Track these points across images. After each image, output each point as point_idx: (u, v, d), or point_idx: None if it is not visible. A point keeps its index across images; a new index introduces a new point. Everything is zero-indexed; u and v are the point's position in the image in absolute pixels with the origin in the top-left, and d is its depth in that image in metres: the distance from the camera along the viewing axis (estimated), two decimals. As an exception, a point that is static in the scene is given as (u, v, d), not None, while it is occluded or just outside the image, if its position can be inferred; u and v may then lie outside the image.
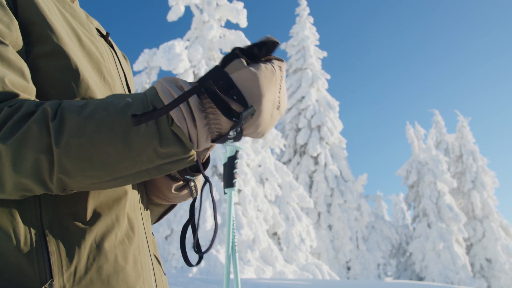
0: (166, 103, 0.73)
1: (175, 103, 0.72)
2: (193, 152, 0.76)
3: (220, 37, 16.19)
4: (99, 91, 0.90)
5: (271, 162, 15.42)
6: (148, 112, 0.71)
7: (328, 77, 22.02)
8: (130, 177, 0.76)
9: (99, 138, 0.72)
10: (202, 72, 14.92)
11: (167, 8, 16.14)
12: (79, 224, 0.81)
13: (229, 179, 1.12)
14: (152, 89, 0.78)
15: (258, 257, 13.54)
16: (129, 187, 0.89)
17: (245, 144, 14.04)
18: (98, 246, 0.81)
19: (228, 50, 16.03)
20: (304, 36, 22.09)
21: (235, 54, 0.78)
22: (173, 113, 0.73)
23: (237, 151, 1.26)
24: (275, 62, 0.83)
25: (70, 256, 0.78)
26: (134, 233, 0.88)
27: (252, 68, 0.77)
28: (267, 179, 15.22)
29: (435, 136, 26.26)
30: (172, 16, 15.57)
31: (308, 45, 21.97)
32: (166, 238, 13.68)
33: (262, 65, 0.79)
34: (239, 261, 12.75)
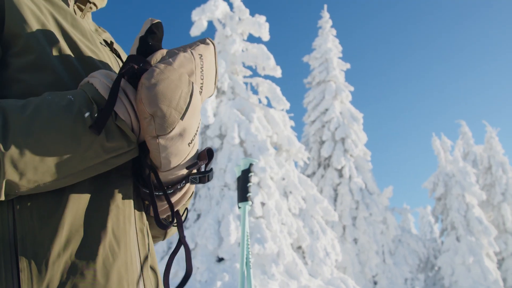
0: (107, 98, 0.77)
1: (114, 96, 0.76)
2: (135, 144, 0.80)
3: (242, 51, 16.28)
4: None
5: (295, 175, 15.33)
6: (99, 117, 0.74)
7: (352, 89, 21.88)
8: (78, 174, 0.76)
9: (48, 137, 0.71)
10: (226, 86, 15.02)
11: (190, 24, 16.35)
12: (55, 239, 0.77)
13: (243, 193, 1.10)
14: (89, 85, 0.80)
15: (283, 271, 13.40)
16: (114, 201, 0.85)
17: (269, 158, 13.99)
18: (74, 263, 0.77)
19: (251, 63, 16.21)
20: (327, 49, 22.04)
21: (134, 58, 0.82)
22: (117, 108, 0.76)
23: (251, 164, 1.24)
24: (199, 47, 0.89)
25: (42, 274, 0.74)
26: (120, 248, 0.83)
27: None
28: (291, 192, 15.12)
29: (462, 148, 25.75)
30: (195, 31, 15.74)
31: (331, 58, 21.90)
32: (190, 251, 13.66)
33: (181, 54, 0.85)
34: (263, 275, 12.65)
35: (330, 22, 22.61)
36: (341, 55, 22.42)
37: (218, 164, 14.52)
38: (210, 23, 16.51)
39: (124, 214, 0.87)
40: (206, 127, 15.27)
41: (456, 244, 21.23)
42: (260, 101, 16.25)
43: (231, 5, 16.78)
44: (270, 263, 13.12)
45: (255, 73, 16.47)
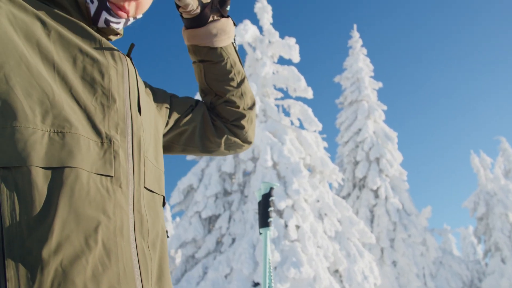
0: None
1: None
2: None
3: (273, 73, 16.34)
4: (85, 113, 0.91)
5: (329, 197, 15.11)
6: None
7: (385, 108, 21.61)
8: None
9: None
10: (257, 108, 15.05)
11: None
12: (44, 246, 0.76)
13: (264, 218, 1.05)
14: None
15: (320, 296, 13.10)
16: (105, 212, 0.85)
17: (302, 180, 13.85)
18: (64, 271, 0.76)
19: (282, 85, 16.23)
20: (358, 68, 21.91)
21: None
22: None
23: (271, 188, 1.20)
24: None
25: (30, 283, 0.73)
26: (111, 260, 0.83)
27: None
28: (326, 214, 14.88)
29: (503, 165, 24.89)
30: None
31: (362, 77, 21.74)
32: (225, 276, 13.56)
33: None
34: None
35: (360, 42, 22.53)
36: (372, 74, 22.25)
37: (251, 187, 14.47)
38: (240, 47, 16.69)
39: (115, 225, 0.87)
40: (239, 150, 15.28)
41: (501, 266, 20.37)
42: (292, 123, 16.21)
43: (260, 29, 16.93)
44: (307, 287, 12.85)
45: (286, 95, 16.49)
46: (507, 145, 25.03)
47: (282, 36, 16.90)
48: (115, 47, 1.06)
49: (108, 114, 0.94)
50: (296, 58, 16.22)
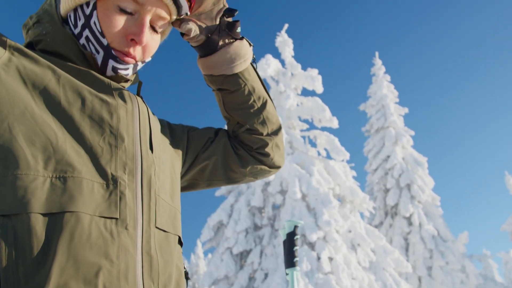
0: None
1: None
2: None
3: (297, 105, 16.43)
4: (91, 154, 0.91)
5: (361, 226, 14.85)
6: None
7: (412, 133, 21.35)
8: None
9: None
10: (283, 140, 15.09)
11: (244, 84, 16.76)
12: None
13: (289, 258, 1.03)
14: None
15: (358, 330, 12.73)
16: (108, 256, 0.85)
17: (333, 210, 13.70)
18: None
19: (307, 117, 16.25)
20: (383, 95, 21.83)
21: None
22: None
23: (296, 226, 1.18)
24: None
25: None
26: None
27: None
28: (359, 244, 14.60)
29: (541, 185, 24.10)
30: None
31: (387, 104, 21.62)
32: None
33: None
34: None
35: (383, 68, 22.52)
36: (397, 100, 22.12)
37: (281, 220, 14.36)
38: (263, 81, 16.87)
39: (119, 269, 0.85)
40: (267, 183, 15.27)
41: (547, 291, 19.46)
42: (319, 154, 16.16)
43: (282, 62, 17.15)
44: (344, 321, 12.53)
45: (312, 126, 16.47)
46: (542, 164, 24.25)
47: (304, 68, 17.08)
48: (124, 88, 1.07)
49: (116, 154, 0.94)
50: (319, 89, 16.30)
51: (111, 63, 1.06)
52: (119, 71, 1.08)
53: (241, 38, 1.27)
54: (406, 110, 21.75)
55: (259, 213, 15.65)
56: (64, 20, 1.10)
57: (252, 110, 1.31)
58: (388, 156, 20.94)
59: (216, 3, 1.22)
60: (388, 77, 22.48)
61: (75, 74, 0.99)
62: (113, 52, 1.05)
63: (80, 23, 1.06)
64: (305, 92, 18.98)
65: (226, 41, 1.24)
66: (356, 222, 14.75)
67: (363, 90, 22.75)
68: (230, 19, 1.24)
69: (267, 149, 1.34)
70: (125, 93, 1.05)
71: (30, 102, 0.89)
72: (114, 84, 1.05)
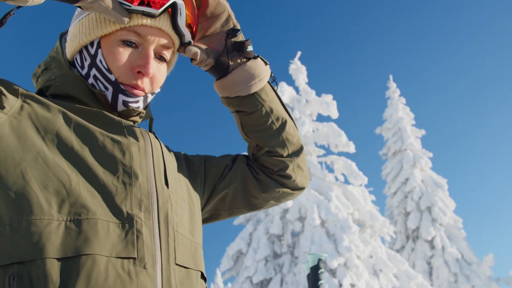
0: None
1: None
2: None
3: (313, 131, 16.47)
4: (105, 194, 0.90)
5: (382, 251, 14.64)
6: None
7: (431, 155, 21.14)
8: None
9: None
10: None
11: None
12: None
13: None
14: None
15: None
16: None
17: (353, 236, 13.55)
18: None
19: (323, 142, 16.25)
20: (399, 118, 21.76)
21: None
22: None
23: (319, 260, 1.18)
24: None
25: None
26: None
27: None
28: (381, 270, 14.37)
29: None
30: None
31: (404, 126, 21.53)
32: None
33: None
34: None
35: (398, 91, 22.50)
36: (414, 122, 22.00)
37: (301, 247, 14.24)
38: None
39: None
40: (285, 211, 15.21)
41: None
42: (337, 179, 16.09)
43: (297, 89, 17.27)
44: None
45: (328, 152, 16.45)
46: None
47: (318, 94, 17.16)
48: (135, 125, 1.08)
49: (131, 192, 0.93)
50: (334, 114, 16.34)
51: (121, 97, 1.07)
52: (129, 104, 1.08)
53: (255, 57, 1.23)
54: (423, 132, 21.62)
55: (278, 240, 15.55)
56: (71, 64, 1.13)
57: (270, 132, 1.27)
58: (407, 179, 20.73)
59: (225, 25, 1.21)
60: (403, 100, 22.43)
61: (86, 116, 1.01)
62: (121, 86, 1.06)
63: (86, 64, 1.09)
64: (321, 118, 19.01)
65: (238, 61, 1.22)
66: (377, 247, 14.56)
67: (379, 114, 22.65)
68: (240, 39, 1.22)
69: (288, 171, 1.29)
70: (137, 130, 1.05)
71: (42, 147, 0.91)
72: (125, 122, 1.05)
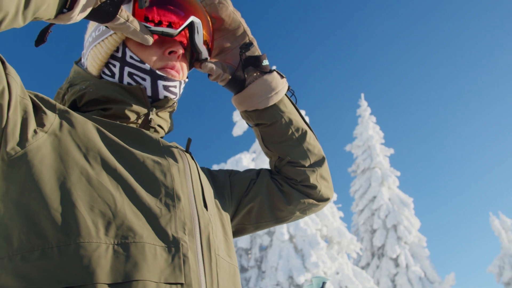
0: None
1: None
2: None
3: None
4: (150, 216, 0.89)
5: (349, 268, 14.77)
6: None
7: (398, 174, 21.53)
8: None
9: None
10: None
11: (232, 124, 16.92)
12: None
13: None
14: None
15: None
16: None
17: (320, 252, 13.62)
18: None
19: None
20: (369, 136, 22.11)
21: None
22: None
23: (324, 283, 1.17)
24: None
25: None
26: None
27: None
28: (346, 286, 14.47)
29: (524, 226, 24.29)
30: (237, 131, 16.25)
31: (373, 144, 21.88)
32: None
33: None
34: None
35: (369, 110, 22.89)
36: (383, 141, 22.40)
37: (268, 262, 14.22)
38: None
39: None
40: (254, 224, 15.18)
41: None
42: (306, 194, 16.14)
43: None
44: None
45: (299, 167, 16.51)
46: (526, 205, 24.52)
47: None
48: (173, 145, 1.08)
49: (174, 214, 0.92)
50: (306, 130, 16.44)
51: (160, 83, 1.09)
52: (170, 88, 1.11)
53: (271, 71, 1.25)
54: (391, 151, 22.01)
55: (245, 254, 15.48)
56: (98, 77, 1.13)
57: (291, 142, 1.28)
58: (375, 197, 21.02)
59: (241, 41, 1.24)
60: (374, 118, 22.83)
61: (123, 134, 1.01)
62: (158, 72, 1.09)
63: (117, 69, 1.10)
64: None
65: (254, 75, 1.24)
66: (343, 263, 14.67)
67: (349, 131, 22.92)
68: (256, 53, 1.25)
69: (312, 181, 1.29)
70: (175, 151, 1.05)
71: (85, 166, 0.89)
72: (162, 141, 1.06)
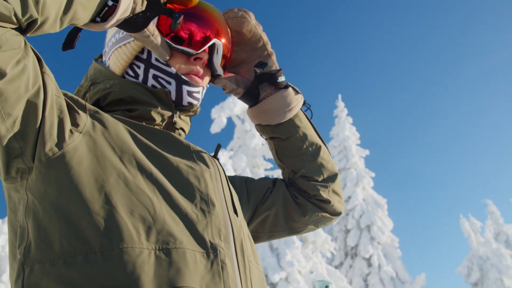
0: None
1: None
2: None
3: (262, 144, 16.54)
4: (187, 222, 0.88)
5: (323, 267, 14.86)
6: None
7: (373, 175, 21.79)
8: None
9: None
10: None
11: (210, 121, 16.83)
12: None
13: None
14: None
15: None
16: None
17: (295, 251, 13.68)
18: None
19: (271, 156, 16.33)
20: (345, 137, 22.31)
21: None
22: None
23: (327, 287, 1.19)
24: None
25: None
26: None
27: None
28: (320, 286, 14.57)
29: (492, 228, 24.90)
30: (215, 128, 16.16)
31: (349, 145, 22.09)
32: None
33: None
34: None
35: (346, 111, 23.10)
36: (359, 142, 22.63)
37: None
38: (230, 119, 16.98)
39: None
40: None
41: (500, 333, 19.82)
42: (282, 193, 16.18)
43: (249, 102, 17.30)
44: None
45: (275, 166, 16.53)
46: (494, 208, 25.17)
47: (269, 108, 17.25)
48: (203, 150, 1.08)
49: (210, 220, 0.91)
50: (284, 129, 16.49)
51: (185, 88, 1.09)
52: (194, 94, 1.11)
53: (286, 87, 1.26)
54: (367, 152, 22.26)
55: (221, 252, 15.43)
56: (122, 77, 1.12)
57: (305, 157, 1.30)
58: (349, 197, 21.23)
59: (260, 55, 1.25)
60: (350, 119, 23.04)
61: (153, 136, 0.99)
62: (183, 77, 1.08)
63: (141, 71, 1.09)
64: (270, 132, 19.14)
65: (269, 91, 1.25)
66: (318, 263, 14.76)
67: (326, 131, 23.10)
68: (273, 68, 1.25)
69: (325, 195, 1.31)
70: (205, 156, 1.05)
71: (122, 169, 0.87)
72: (192, 146, 1.05)
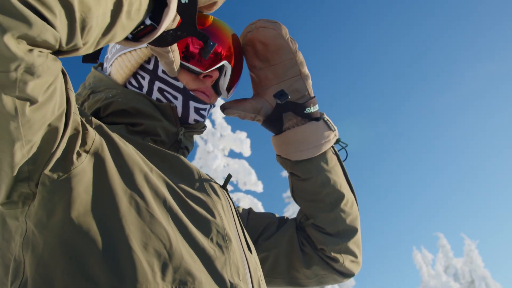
0: None
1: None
2: None
3: (224, 166, 16.43)
4: (205, 258, 0.79)
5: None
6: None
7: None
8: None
9: None
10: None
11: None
12: None
13: None
14: None
15: None
16: None
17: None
18: None
19: (233, 179, 16.24)
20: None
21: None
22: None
23: None
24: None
25: None
26: None
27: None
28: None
29: (443, 261, 25.52)
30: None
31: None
32: None
33: None
34: None
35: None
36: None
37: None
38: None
39: None
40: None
41: None
42: (241, 217, 16.08)
43: (213, 122, 17.24)
44: None
45: (236, 188, 16.43)
46: (445, 241, 25.88)
47: (234, 130, 17.27)
48: (212, 178, 0.99)
49: (228, 257, 0.83)
50: (247, 152, 16.46)
51: (192, 104, 1.01)
52: (201, 111, 1.03)
53: (317, 119, 1.12)
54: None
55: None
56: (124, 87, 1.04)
57: (322, 205, 1.14)
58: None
59: (291, 75, 1.11)
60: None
61: (161, 158, 0.90)
62: (191, 92, 1.01)
63: (146, 82, 1.01)
64: (233, 154, 19.15)
65: (295, 121, 1.12)
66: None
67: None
68: (305, 94, 1.12)
69: (333, 253, 1.14)
70: (215, 186, 0.96)
71: (133, 194, 0.77)
72: (200, 172, 0.96)
